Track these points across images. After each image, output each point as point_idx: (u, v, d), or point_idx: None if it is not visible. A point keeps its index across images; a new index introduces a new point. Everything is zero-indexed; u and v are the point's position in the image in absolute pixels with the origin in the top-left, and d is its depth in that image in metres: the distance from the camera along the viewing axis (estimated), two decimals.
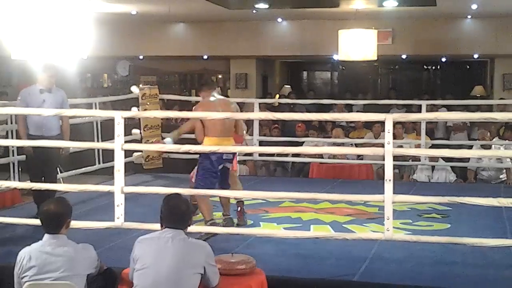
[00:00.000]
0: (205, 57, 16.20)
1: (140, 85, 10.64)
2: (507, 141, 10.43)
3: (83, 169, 9.36)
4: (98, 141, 9.39)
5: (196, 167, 6.62)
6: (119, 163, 5.89)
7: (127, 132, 8.78)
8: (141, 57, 16.52)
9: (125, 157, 6.16)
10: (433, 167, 10.17)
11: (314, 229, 6.69)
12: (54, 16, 10.18)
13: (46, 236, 4.18)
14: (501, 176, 10.08)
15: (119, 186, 5.88)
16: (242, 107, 13.98)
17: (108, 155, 6.62)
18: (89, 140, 8.97)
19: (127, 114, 6.23)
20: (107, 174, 8.13)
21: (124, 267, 4.51)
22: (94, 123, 9.61)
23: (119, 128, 5.87)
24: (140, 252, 4.16)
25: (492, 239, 5.56)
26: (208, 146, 6.32)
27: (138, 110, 9.59)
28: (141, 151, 9.88)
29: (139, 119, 9.90)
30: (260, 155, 10.66)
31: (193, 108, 6.82)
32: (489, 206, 5.82)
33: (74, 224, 5.05)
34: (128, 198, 6.11)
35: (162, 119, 10.41)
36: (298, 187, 7.14)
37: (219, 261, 4.42)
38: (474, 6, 12.32)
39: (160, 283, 3.99)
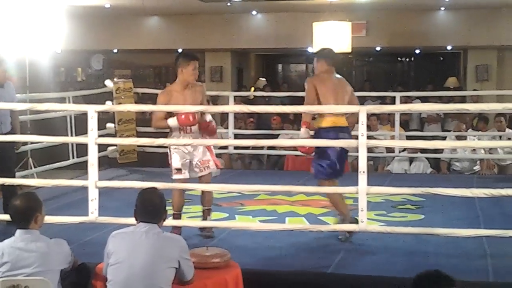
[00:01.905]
0: (180, 50, 16.12)
1: (114, 79, 10.59)
2: (480, 132, 10.53)
3: (57, 164, 9.30)
4: (71, 135, 9.32)
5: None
6: (92, 157, 5.86)
7: (102, 126, 8.76)
8: (115, 50, 16.43)
9: (100, 151, 6.14)
10: (410, 159, 10.23)
11: (289, 221, 6.71)
12: (26, 10, 10.10)
13: (18, 231, 4.14)
14: (474, 167, 10.17)
15: (93, 181, 5.85)
16: (217, 100, 14.03)
17: (83, 149, 6.58)
18: (63, 135, 8.91)
19: (100, 108, 6.20)
20: (82, 168, 8.08)
21: (98, 262, 4.49)
22: (68, 117, 9.54)
23: (92, 122, 5.84)
24: (114, 246, 4.14)
25: (465, 229, 5.62)
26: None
27: (113, 104, 9.55)
28: (116, 145, 9.85)
29: (114, 113, 9.85)
30: (235, 148, 10.67)
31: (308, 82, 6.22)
32: (462, 196, 5.90)
33: (48, 219, 5.02)
34: (102, 192, 6.09)
35: (136, 113, 10.36)
36: (273, 179, 7.16)
37: (193, 255, 4.41)
38: None
39: (134, 277, 3.98)
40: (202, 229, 6.18)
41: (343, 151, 6.08)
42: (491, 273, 5.08)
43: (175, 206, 6.18)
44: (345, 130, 6.05)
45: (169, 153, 6.24)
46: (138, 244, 4.07)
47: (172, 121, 6.05)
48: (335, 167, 6.03)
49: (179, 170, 6.12)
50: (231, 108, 9.55)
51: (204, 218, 6.35)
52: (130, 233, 4.18)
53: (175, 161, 6.14)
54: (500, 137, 10.11)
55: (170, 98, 6.17)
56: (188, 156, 6.17)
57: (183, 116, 5.95)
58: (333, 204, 6.15)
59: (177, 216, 6.15)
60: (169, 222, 5.55)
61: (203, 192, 6.33)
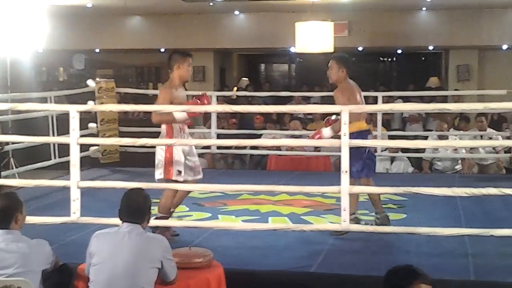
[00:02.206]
0: (162, 50, 16.10)
1: (97, 79, 10.54)
2: (462, 131, 10.60)
3: (39, 164, 9.25)
4: (53, 135, 9.27)
5: None
6: (74, 157, 5.84)
7: (84, 126, 8.72)
8: (97, 50, 16.36)
9: (82, 151, 6.11)
10: (392, 158, 10.28)
11: (272, 221, 6.71)
12: (7, 9, 10.03)
13: None
14: (456, 167, 10.22)
15: (74, 181, 5.82)
16: None
17: (65, 149, 6.55)
18: (45, 135, 8.86)
19: (82, 108, 6.17)
20: (64, 169, 8.04)
21: (80, 263, 4.47)
22: (49, 117, 9.48)
23: (74, 122, 5.82)
24: (96, 246, 4.13)
25: (447, 228, 5.65)
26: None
27: (95, 104, 9.51)
28: (98, 145, 9.81)
29: (96, 113, 9.81)
30: (218, 148, 10.66)
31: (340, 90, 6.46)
32: (444, 196, 5.93)
33: (29, 219, 5.00)
34: (85, 192, 6.06)
35: (118, 112, 10.33)
36: (256, 179, 7.17)
37: (176, 255, 4.41)
38: None
39: (116, 278, 3.97)
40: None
41: (370, 152, 6.40)
42: (472, 272, 5.11)
43: (166, 207, 6.07)
44: (369, 132, 6.41)
45: (164, 154, 6.08)
46: (120, 244, 4.06)
47: (180, 113, 5.97)
48: (369, 166, 6.41)
49: (180, 173, 6.06)
50: (214, 108, 9.51)
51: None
52: (113, 233, 4.17)
53: (178, 163, 6.05)
54: (481, 136, 10.17)
55: (172, 94, 6.10)
56: (184, 159, 6.11)
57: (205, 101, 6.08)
58: (372, 201, 6.35)
59: (164, 218, 6.01)
60: (153, 222, 5.54)
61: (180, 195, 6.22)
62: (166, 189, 6.05)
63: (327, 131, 6.23)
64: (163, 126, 6.16)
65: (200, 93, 6.48)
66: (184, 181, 6.05)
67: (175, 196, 6.12)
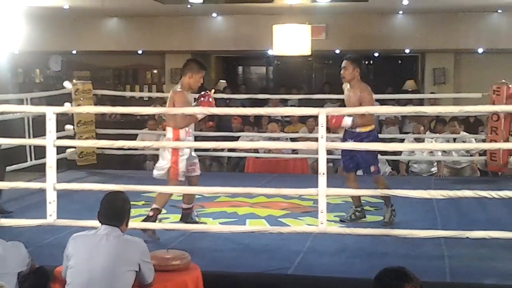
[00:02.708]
0: (140, 52, 16.05)
1: (73, 80, 10.50)
2: (437, 134, 10.68)
3: (15, 166, 9.17)
4: (29, 137, 9.21)
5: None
6: (51, 159, 5.81)
7: (60, 128, 8.67)
8: (74, 52, 16.25)
9: (59, 153, 6.08)
10: None
11: (250, 223, 6.72)
12: None
13: None
14: (432, 169, 10.30)
15: (51, 183, 5.79)
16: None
17: (41, 151, 6.51)
18: (21, 137, 8.80)
19: (58, 109, 6.13)
20: (40, 171, 8.00)
21: (57, 265, 4.45)
22: (25, 119, 9.42)
23: (50, 124, 5.79)
24: (73, 249, 4.11)
25: (423, 230, 5.70)
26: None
27: (71, 105, 9.47)
28: (75, 147, 9.76)
29: (73, 115, 9.76)
30: (196, 150, 10.61)
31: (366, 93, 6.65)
32: (420, 198, 5.98)
33: (5, 222, 4.98)
34: (61, 195, 6.03)
35: (96, 114, 10.28)
36: (234, 181, 7.17)
37: (154, 257, 4.40)
38: (405, 2, 12.53)
39: (93, 280, 3.96)
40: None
41: None
42: (448, 273, 5.15)
43: (162, 202, 6.25)
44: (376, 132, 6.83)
45: (171, 157, 6.23)
46: (98, 247, 4.05)
47: (200, 109, 6.20)
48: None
49: (183, 174, 6.30)
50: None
51: (187, 214, 6.51)
52: (90, 235, 4.16)
53: (183, 166, 6.25)
54: (455, 140, 10.25)
55: (185, 97, 6.35)
56: (189, 161, 6.37)
57: (210, 99, 6.33)
58: (384, 198, 6.55)
59: (157, 211, 6.18)
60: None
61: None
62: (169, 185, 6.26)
63: (348, 120, 6.51)
64: (170, 129, 6.33)
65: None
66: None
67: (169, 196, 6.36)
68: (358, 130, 6.61)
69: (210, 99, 6.36)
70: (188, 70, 6.45)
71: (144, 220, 6.12)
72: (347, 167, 6.80)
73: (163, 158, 6.31)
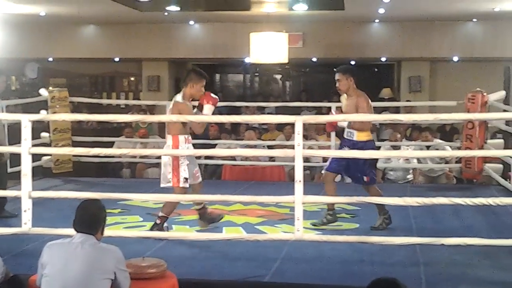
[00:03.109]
0: (117, 59, 16.01)
1: (50, 88, 10.44)
2: (413, 142, 10.75)
3: None
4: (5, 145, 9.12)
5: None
6: (26, 167, 5.78)
7: (36, 135, 8.62)
8: (50, 59, 16.18)
9: (34, 161, 6.04)
10: None
11: (226, 231, 6.72)
12: None
13: None
14: (408, 176, 10.36)
15: (26, 191, 5.76)
16: (154, 110, 13.96)
17: (17, 159, 6.47)
18: None
19: (34, 117, 6.10)
20: (15, 178, 7.93)
21: (31, 274, 4.42)
22: (1, 126, 9.33)
23: (26, 132, 5.76)
24: (48, 257, 4.09)
25: (398, 237, 5.74)
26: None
27: (47, 113, 9.42)
28: (50, 155, 9.70)
29: (48, 122, 9.71)
30: None
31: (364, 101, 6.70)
32: (396, 205, 6.02)
33: None
34: (37, 203, 6.00)
35: (72, 122, 10.23)
36: (210, 189, 7.15)
37: (129, 265, 4.38)
38: (381, 11, 12.63)
39: None
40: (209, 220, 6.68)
41: None
42: (424, 280, 5.18)
43: (169, 210, 6.42)
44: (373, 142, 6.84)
45: (172, 164, 6.37)
46: (73, 255, 4.03)
47: (208, 109, 6.48)
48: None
49: (187, 180, 6.41)
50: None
51: (203, 213, 6.72)
52: (66, 244, 4.13)
53: (185, 172, 6.37)
54: (428, 147, 10.32)
55: (188, 107, 6.55)
56: (194, 166, 6.57)
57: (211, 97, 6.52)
58: (378, 206, 6.59)
59: (164, 219, 6.38)
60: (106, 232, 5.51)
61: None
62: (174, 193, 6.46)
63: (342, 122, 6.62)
64: (169, 137, 6.49)
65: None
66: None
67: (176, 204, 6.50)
68: (355, 138, 6.62)
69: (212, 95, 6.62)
70: (188, 80, 6.57)
71: (152, 227, 6.34)
72: (333, 167, 6.77)
73: (165, 166, 6.44)
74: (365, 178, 6.64)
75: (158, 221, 6.36)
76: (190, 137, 6.55)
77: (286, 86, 19.11)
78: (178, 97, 6.54)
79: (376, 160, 6.87)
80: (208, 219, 6.79)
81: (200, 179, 6.68)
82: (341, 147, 6.85)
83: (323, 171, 7.08)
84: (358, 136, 6.61)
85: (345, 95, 6.81)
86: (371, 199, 5.70)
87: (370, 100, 6.76)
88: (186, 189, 6.45)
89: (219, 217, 6.92)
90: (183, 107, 6.47)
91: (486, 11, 12.48)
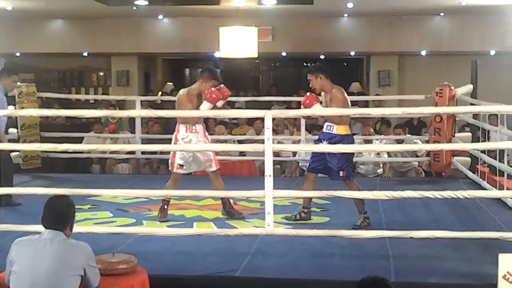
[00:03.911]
0: (85, 54, 15.89)
1: (17, 83, 10.31)
2: (383, 135, 10.82)
3: None
4: None
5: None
6: None
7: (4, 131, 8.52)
8: (17, 54, 16.00)
9: None
10: None
11: (197, 226, 6.72)
12: None
13: None
14: (378, 170, 10.43)
15: None
16: (123, 105, 13.88)
17: None
18: None
19: (1, 112, 6.04)
20: None
21: (0, 271, 4.38)
22: None
23: None
24: (17, 254, 4.05)
25: (368, 231, 5.78)
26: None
27: (15, 108, 9.32)
28: (19, 150, 9.61)
29: (16, 118, 9.60)
30: (143, 153, 10.59)
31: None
32: (366, 199, 6.06)
33: None
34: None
35: (40, 117, 10.14)
36: (181, 184, 7.15)
37: (99, 261, 4.37)
38: (350, 5, 12.68)
39: (37, 286, 3.90)
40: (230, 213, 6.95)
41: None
42: (393, 273, 5.22)
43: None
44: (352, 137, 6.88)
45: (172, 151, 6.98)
46: (42, 251, 4.00)
47: (204, 106, 6.73)
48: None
49: (181, 166, 6.86)
50: (138, 112, 9.45)
51: (224, 203, 7.01)
52: (34, 240, 4.10)
53: (178, 158, 6.85)
54: (398, 141, 10.39)
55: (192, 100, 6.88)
56: (189, 154, 6.85)
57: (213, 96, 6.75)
58: (357, 202, 6.61)
59: (165, 202, 6.88)
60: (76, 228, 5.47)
61: (214, 187, 6.98)
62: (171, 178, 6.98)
63: (318, 107, 6.53)
64: (177, 125, 6.90)
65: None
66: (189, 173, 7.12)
67: (175, 186, 6.91)
68: (334, 131, 6.61)
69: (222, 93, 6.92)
70: (201, 76, 6.97)
71: (159, 209, 6.89)
72: (313, 168, 6.79)
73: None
74: (341, 173, 6.61)
75: (162, 204, 6.88)
76: (197, 127, 6.83)
77: (256, 81, 19.14)
78: (184, 89, 6.95)
79: (352, 154, 6.87)
80: (226, 211, 7.00)
81: (213, 168, 6.93)
82: (319, 140, 6.84)
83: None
84: (337, 129, 6.61)
85: (322, 92, 6.80)
86: (341, 193, 5.72)
87: (345, 93, 6.76)
88: (180, 175, 6.88)
89: (238, 214, 7.03)
90: (182, 99, 6.85)
91: (453, 5, 12.60)
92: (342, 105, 6.56)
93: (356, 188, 6.56)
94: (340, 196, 5.76)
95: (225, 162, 10.33)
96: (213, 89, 6.80)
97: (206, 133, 7.07)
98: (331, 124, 6.67)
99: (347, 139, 6.65)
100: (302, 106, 6.63)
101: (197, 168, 7.06)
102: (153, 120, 11.80)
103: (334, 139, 6.58)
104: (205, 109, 6.71)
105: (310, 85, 6.81)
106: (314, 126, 10.48)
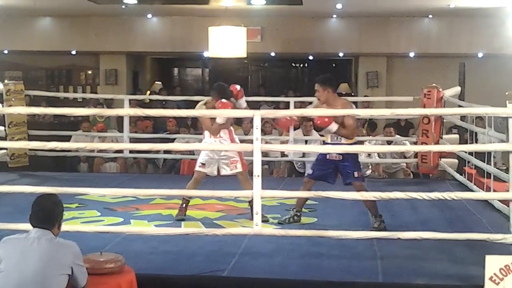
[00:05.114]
0: (74, 52, 15.83)
1: (5, 81, 10.29)
2: (370, 137, 10.85)
3: None
4: None
5: None
6: None
7: None
8: (5, 51, 15.91)
9: None
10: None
11: (185, 225, 6.72)
12: None
13: None
14: (367, 172, 10.44)
15: None
16: (112, 103, 13.84)
17: None
18: None
19: None
20: None
21: None
22: None
23: None
24: (4, 252, 4.03)
25: (356, 231, 5.79)
26: None
27: (3, 106, 9.29)
28: (6, 148, 9.57)
29: (4, 115, 9.56)
30: (131, 152, 10.57)
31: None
32: (354, 200, 6.07)
33: None
34: None
35: (28, 115, 10.10)
36: (169, 184, 7.14)
37: (87, 260, 4.35)
38: (339, 6, 12.71)
39: (24, 285, 3.88)
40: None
41: None
42: (380, 274, 5.25)
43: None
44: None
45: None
46: (29, 250, 3.98)
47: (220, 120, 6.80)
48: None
49: (203, 165, 7.01)
50: (126, 111, 9.44)
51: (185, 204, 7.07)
52: (22, 239, 4.09)
53: (202, 157, 7.04)
54: (388, 142, 10.43)
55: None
56: (216, 155, 6.95)
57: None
58: (370, 206, 6.60)
59: (185, 201, 7.00)
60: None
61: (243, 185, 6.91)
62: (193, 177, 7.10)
63: (334, 126, 6.45)
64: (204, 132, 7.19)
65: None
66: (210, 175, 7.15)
67: (195, 185, 7.01)
68: (342, 141, 6.56)
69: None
70: (212, 94, 7.05)
71: (179, 209, 7.01)
72: (316, 175, 6.75)
73: None
74: (355, 174, 6.59)
75: (181, 202, 7.04)
76: (221, 133, 6.95)
77: (245, 81, 19.14)
78: (202, 103, 7.11)
79: (357, 159, 6.81)
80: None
81: (238, 169, 6.95)
82: (324, 155, 6.74)
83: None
84: (345, 139, 6.58)
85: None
86: (329, 194, 5.73)
87: (353, 105, 6.79)
88: (201, 175, 7.01)
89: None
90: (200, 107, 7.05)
91: (441, 7, 12.65)
92: (354, 128, 6.56)
93: (365, 190, 6.45)
94: (328, 197, 5.76)
95: None
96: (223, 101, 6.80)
97: (234, 136, 7.15)
98: (336, 136, 6.63)
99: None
100: (316, 122, 6.53)
101: (223, 171, 7.07)
102: (142, 120, 11.77)
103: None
104: (220, 121, 6.80)
105: (316, 95, 6.76)
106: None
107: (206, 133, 7.05)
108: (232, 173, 7.00)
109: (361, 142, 10.21)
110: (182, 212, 7.02)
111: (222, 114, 6.41)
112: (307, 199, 6.72)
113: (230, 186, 6.67)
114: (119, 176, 10.10)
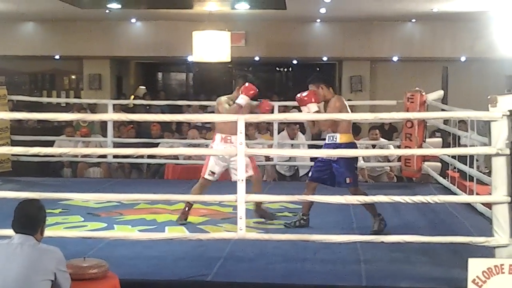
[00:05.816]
0: (57, 57, 15.78)
1: None
2: (361, 140, 10.88)
3: None
4: None
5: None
6: None
7: None
8: None
9: None
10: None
11: (169, 230, 6.69)
12: None
13: None
14: None
15: None
16: (95, 108, 13.80)
17: None
18: None
19: None
20: None
21: None
22: None
23: None
24: None
25: (340, 235, 5.79)
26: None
27: None
28: None
29: None
30: (115, 157, 10.53)
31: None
32: (338, 203, 6.09)
33: None
34: None
35: (11, 121, 10.04)
36: (153, 188, 7.13)
37: (70, 266, 4.33)
38: (322, 10, 12.75)
39: None
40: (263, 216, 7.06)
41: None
42: (364, 277, 5.26)
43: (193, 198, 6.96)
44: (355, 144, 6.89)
45: (206, 156, 7.26)
46: (12, 256, 3.96)
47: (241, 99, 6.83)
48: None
49: (212, 173, 7.02)
50: (110, 116, 9.41)
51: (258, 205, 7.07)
52: (4, 245, 4.06)
53: (211, 165, 7.02)
54: (374, 146, 10.47)
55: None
56: (225, 162, 6.93)
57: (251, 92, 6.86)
58: (367, 206, 6.54)
59: (188, 205, 7.01)
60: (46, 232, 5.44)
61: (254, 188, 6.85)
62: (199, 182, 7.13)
63: (313, 106, 6.51)
64: (214, 134, 7.15)
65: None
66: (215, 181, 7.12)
67: (200, 191, 7.01)
68: (338, 141, 6.57)
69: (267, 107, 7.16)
70: (237, 84, 7.14)
71: (181, 213, 7.02)
72: (316, 177, 6.76)
73: None
74: (347, 180, 6.57)
75: (184, 206, 7.05)
76: (232, 138, 6.71)
77: (229, 85, 19.14)
78: (222, 97, 7.10)
79: (356, 161, 6.81)
80: (260, 213, 7.08)
81: (249, 173, 6.75)
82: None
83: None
84: (340, 138, 6.58)
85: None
86: (313, 198, 5.74)
87: (344, 101, 6.76)
88: (208, 182, 7.02)
89: (270, 216, 7.15)
90: (220, 103, 7.02)
91: (424, 11, 12.73)
92: (338, 112, 6.54)
93: (362, 194, 6.39)
94: (313, 201, 5.77)
95: (197, 166, 10.29)
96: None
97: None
98: (333, 134, 6.64)
99: (351, 147, 6.62)
100: (297, 97, 6.64)
101: (234, 176, 6.76)
102: (125, 125, 11.74)
103: (340, 148, 6.53)
104: (242, 102, 6.82)
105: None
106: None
107: (217, 137, 6.99)
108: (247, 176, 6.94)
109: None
110: (184, 215, 7.03)
111: (206, 118, 6.39)
112: (312, 202, 6.63)
113: (214, 191, 6.67)
114: (103, 181, 10.07)
